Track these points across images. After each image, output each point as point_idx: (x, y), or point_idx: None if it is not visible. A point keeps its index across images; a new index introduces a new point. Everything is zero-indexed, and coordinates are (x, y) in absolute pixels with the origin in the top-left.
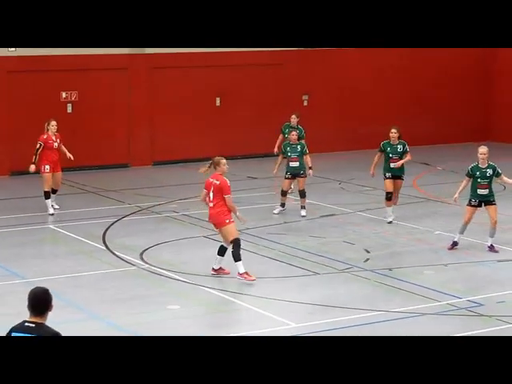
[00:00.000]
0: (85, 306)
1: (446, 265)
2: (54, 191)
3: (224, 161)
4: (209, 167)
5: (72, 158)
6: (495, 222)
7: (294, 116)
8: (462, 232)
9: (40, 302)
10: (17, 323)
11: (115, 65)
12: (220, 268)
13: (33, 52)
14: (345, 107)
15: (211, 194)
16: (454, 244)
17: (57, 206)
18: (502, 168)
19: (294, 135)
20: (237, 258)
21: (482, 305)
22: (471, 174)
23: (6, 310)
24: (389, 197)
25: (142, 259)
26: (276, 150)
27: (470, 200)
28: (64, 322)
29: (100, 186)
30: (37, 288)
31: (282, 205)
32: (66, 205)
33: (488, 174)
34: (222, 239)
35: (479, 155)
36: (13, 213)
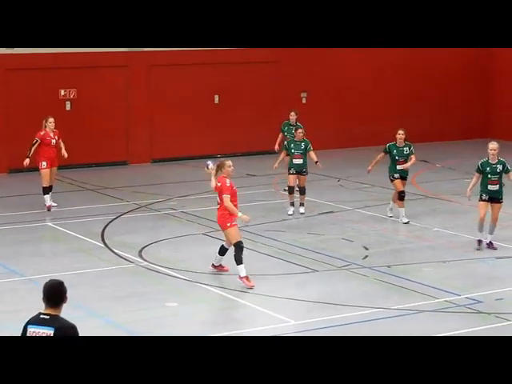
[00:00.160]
0: (83, 303)
1: (444, 262)
2: (50, 188)
3: (228, 163)
4: (216, 171)
5: (66, 155)
6: (496, 219)
7: (292, 113)
8: (480, 230)
9: (55, 293)
10: (32, 316)
11: (114, 62)
12: (220, 265)
13: (31, 50)
14: (343, 105)
15: (218, 197)
16: (480, 242)
17: (55, 204)
18: None
19: (299, 133)
20: (238, 261)
21: (480, 302)
22: (481, 170)
23: (3, 308)
24: (402, 196)
25: (141, 257)
26: (277, 147)
27: (481, 195)
28: None
29: (99, 183)
30: (52, 280)
31: (292, 204)
32: (65, 202)
33: (498, 170)
34: (223, 238)
35: (489, 151)
36: (11, 210)
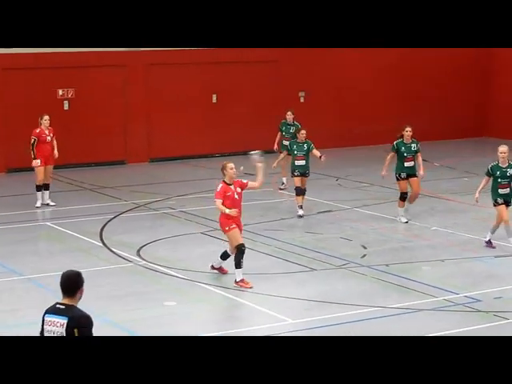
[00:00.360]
0: (81, 302)
1: (443, 260)
2: (47, 186)
3: (230, 165)
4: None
5: (57, 155)
6: (507, 221)
7: (289, 113)
8: (494, 232)
9: (71, 283)
10: (49, 305)
11: (112, 62)
12: (220, 267)
13: (28, 49)
14: (343, 105)
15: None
16: (491, 242)
17: (53, 203)
18: None
19: (302, 134)
20: (237, 265)
21: (479, 300)
22: (491, 174)
23: (1, 307)
24: (404, 197)
25: (139, 256)
26: (276, 146)
27: (496, 199)
28: None
29: (97, 183)
30: (69, 270)
31: (301, 206)
32: (63, 202)
33: (508, 174)
34: (222, 237)
35: (499, 154)
36: (9, 210)
